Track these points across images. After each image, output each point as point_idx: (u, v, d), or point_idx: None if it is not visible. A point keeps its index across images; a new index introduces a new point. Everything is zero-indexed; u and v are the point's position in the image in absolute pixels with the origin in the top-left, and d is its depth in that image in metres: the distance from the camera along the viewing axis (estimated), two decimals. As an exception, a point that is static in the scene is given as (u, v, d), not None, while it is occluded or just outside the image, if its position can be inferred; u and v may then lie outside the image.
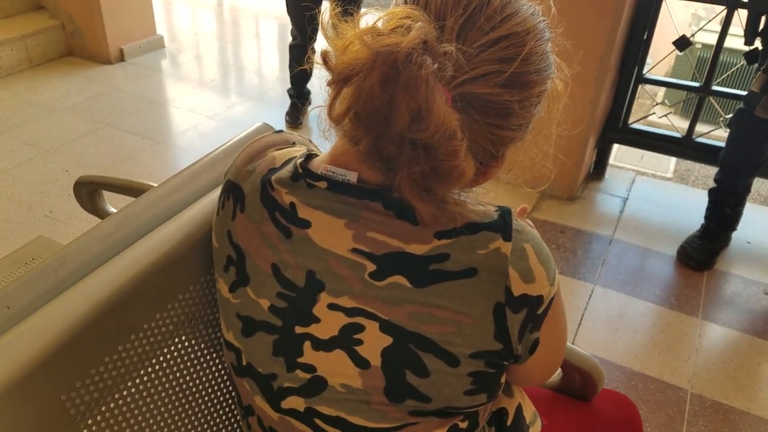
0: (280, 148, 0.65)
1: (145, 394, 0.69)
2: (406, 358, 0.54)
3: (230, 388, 0.81)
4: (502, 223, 0.55)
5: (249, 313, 0.59)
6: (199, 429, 0.76)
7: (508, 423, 0.70)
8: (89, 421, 0.62)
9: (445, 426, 0.59)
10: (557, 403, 0.88)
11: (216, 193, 0.79)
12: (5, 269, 1.29)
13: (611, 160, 4.00)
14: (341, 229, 0.55)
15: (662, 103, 2.87)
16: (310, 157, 0.60)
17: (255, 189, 0.60)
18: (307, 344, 0.57)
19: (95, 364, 0.62)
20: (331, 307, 0.56)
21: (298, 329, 0.57)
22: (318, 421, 0.58)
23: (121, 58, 3.44)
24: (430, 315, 0.53)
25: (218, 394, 0.79)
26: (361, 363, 0.55)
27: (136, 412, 0.68)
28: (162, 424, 0.71)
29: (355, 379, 0.56)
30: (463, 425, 0.60)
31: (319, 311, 0.56)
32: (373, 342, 0.55)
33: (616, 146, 3.44)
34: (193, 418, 0.75)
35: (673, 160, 4.32)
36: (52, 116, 2.88)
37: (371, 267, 0.54)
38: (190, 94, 3.21)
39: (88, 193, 1.24)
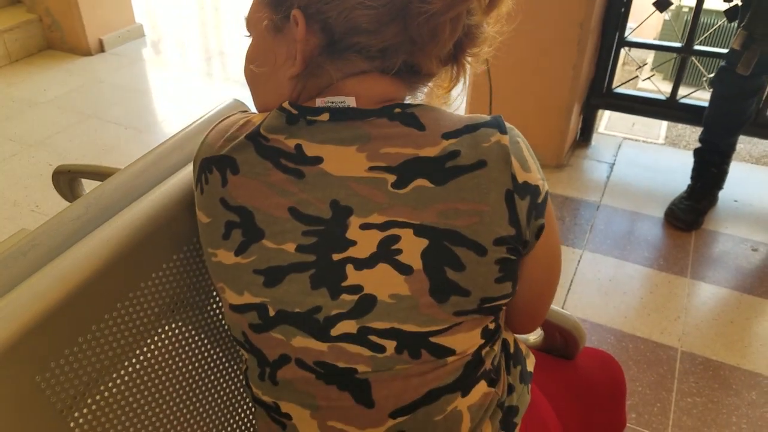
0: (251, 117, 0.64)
1: (138, 381, 0.69)
2: (443, 255, 0.57)
3: (229, 371, 0.82)
4: (496, 122, 0.60)
5: (271, 263, 0.59)
6: (204, 414, 0.77)
7: (511, 351, 0.74)
8: (76, 414, 0.62)
9: (480, 325, 0.62)
10: (540, 361, 0.88)
11: (187, 170, 0.79)
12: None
13: (602, 129, 3.99)
14: (354, 155, 0.58)
15: (652, 68, 2.87)
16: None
17: (244, 147, 0.60)
18: (349, 267, 0.58)
19: (68, 344, 0.62)
20: (364, 227, 0.58)
21: (336, 257, 0.58)
22: (373, 338, 0.59)
23: (101, 48, 3.40)
24: (456, 210, 0.57)
25: (219, 370, 0.79)
26: (405, 270, 0.57)
27: (130, 399, 0.68)
28: (159, 412, 0.71)
29: (401, 286, 0.58)
30: (492, 326, 0.64)
31: (352, 234, 0.58)
32: (411, 247, 0.57)
33: (606, 115, 3.42)
34: (194, 401, 0.75)
35: (664, 126, 4.32)
36: (34, 111, 2.85)
37: (392, 178, 0.57)
38: (173, 82, 3.18)
39: (67, 182, 1.23)
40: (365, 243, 0.58)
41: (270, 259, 0.60)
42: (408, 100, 0.65)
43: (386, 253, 0.58)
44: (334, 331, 0.59)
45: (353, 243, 0.58)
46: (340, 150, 0.58)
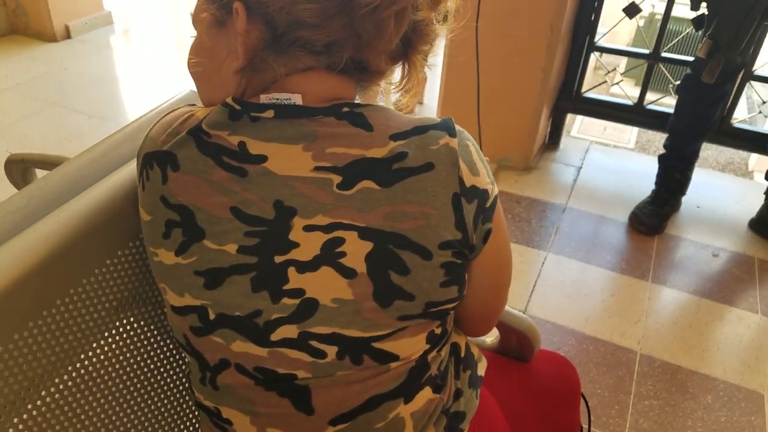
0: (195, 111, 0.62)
1: (83, 386, 0.66)
2: (387, 259, 0.56)
3: (177, 369, 0.79)
4: (446, 125, 0.60)
5: (212, 265, 0.58)
6: (151, 418, 0.74)
7: (462, 354, 0.73)
8: (15, 420, 0.60)
9: (425, 330, 0.61)
10: (495, 364, 0.88)
11: (135, 163, 0.76)
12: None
13: (574, 132, 4.04)
14: (299, 153, 0.56)
15: (622, 73, 2.91)
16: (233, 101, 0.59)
17: (185, 143, 0.58)
18: (291, 270, 0.57)
19: (2, 341, 0.59)
20: (308, 228, 0.56)
21: (278, 259, 0.57)
22: (314, 343, 0.58)
23: (68, 35, 3.32)
24: (403, 212, 0.56)
25: (168, 373, 0.77)
26: (348, 273, 0.56)
27: (74, 405, 0.65)
28: (105, 418, 0.69)
29: (344, 290, 0.56)
30: (438, 331, 0.63)
31: (296, 236, 0.56)
32: (356, 250, 0.56)
33: (579, 118, 3.45)
34: (142, 405, 0.73)
35: (634, 131, 4.39)
36: (-6, 97, 2.77)
37: (338, 179, 0.56)
38: (141, 71, 3.12)
39: (20, 171, 1.18)
40: (308, 245, 0.56)
41: (211, 260, 0.58)
42: (361, 101, 0.63)
43: (330, 256, 0.56)
44: (274, 336, 0.58)
45: (296, 245, 0.56)
46: (285, 148, 0.56)
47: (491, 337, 0.93)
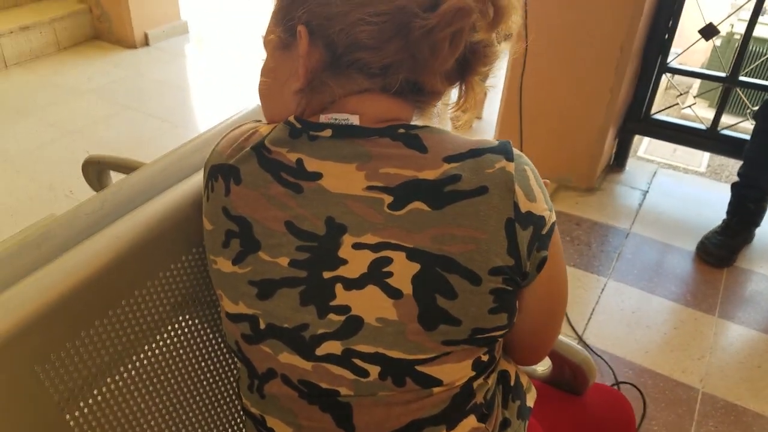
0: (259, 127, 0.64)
1: (138, 382, 0.69)
2: (434, 281, 0.56)
3: (228, 373, 0.81)
4: (503, 148, 0.59)
5: (265, 276, 0.59)
6: (200, 417, 0.77)
7: (512, 383, 0.71)
8: (74, 409, 0.63)
9: (471, 357, 0.61)
10: (547, 395, 0.86)
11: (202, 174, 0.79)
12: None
13: (641, 152, 3.89)
14: (353, 173, 0.57)
15: (697, 95, 2.78)
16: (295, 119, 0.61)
17: (248, 158, 0.60)
18: (338, 286, 0.57)
19: (70, 337, 0.63)
20: (357, 246, 0.57)
21: (326, 274, 0.58)
22: (357, 361, 0.58)
23: (146, 42, 3.49)
24: (452, 235, 0.55)
25: (220, 375, 0.79)
26: (394, 294, 0.56)
27: (129, 399, 0.68)
28: (156, 412, 0.71)
29: (389, 310, 0.56)
30: (485, 358, 0.62)
31: (344, 253, 0.57)
32: (403, 271, 0.56)
33: (647, 139, 3.33)
34: (192, 404, 0.75)
35: (706, 155, 4.19)
36: (77, 98, 2.94)
37: (389, 199, 0.56)
38: (212, 80, 3.24)
39: (96, 172, 1.26)
40: (356, 263, 0.57)
41: (264, 271, 0.59)
42: (418, 122, 0.64)
43: (377, 275, 0.56)
44: (319, 351, 0.59)
45: (344, 262, 0.57)
46: (340, 167, 0.57)
47: (543, 367, 0.91)
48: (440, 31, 0.54)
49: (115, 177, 1.24)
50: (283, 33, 0.61)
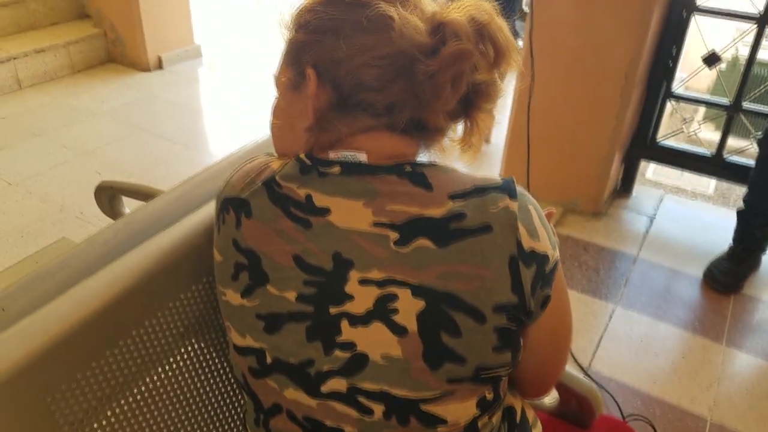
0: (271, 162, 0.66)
1: (144, 408, 0.70)
2: (439, 319, 0.56)
3: (235, 402, 0.82)
4: (508, 186, 0.60)
5: (273, 310, 0.60)
6: None
7: (517, 420, 0.71)
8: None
9: (476, 395, 0.61)
10: (552, 428, 0.86)
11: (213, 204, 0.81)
12: (27, 269, 1.34)
13: (649, 175, 3.88)
14: (360, 209, 0.58)
15: (704, 120, 2.78)
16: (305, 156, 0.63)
17: (259, 193, 0.62)
18: (344, 322, 0.58)
19: (81, 368, 0.64)
20: (363, 282, 0.58)
21: (333, 310, 0.59)
22: (361, 399, 0.59)
23: (160, 66, 3.55)
24: (457, 273, 0.56)
25: (226, 404, 0.80)
26: (399, 331, 0.57)
27: (134, 424, 0.69)
28: None
29: (394, 347, 0.57)
30: (490, 396, 0.63)
31: (351, 288, 0.58)
32: (408, 308, 0.57)
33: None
34: (197, 429, 0.76)
35: (714, 178, 4.18)
36: (91, 120, 2.99)
37: (395, 235, 0.57)
38: (225, 103, 3.28)
39: (108, 198, 1.28)
40: (362, 299, 0.58)
41: (272, 305, 0.60)
42: (425, 157, 0.65)
43: (382, 311, 0.57)
44: (325, 388, 0.59)
45: (351, 297, 0.58)
46: (348, 203, 0.59)
47: (549, 399, 0.91)
48: (442, 74, 0.56)
49: (127, 202, 1.27)
50: (294, 75, 0.64)
